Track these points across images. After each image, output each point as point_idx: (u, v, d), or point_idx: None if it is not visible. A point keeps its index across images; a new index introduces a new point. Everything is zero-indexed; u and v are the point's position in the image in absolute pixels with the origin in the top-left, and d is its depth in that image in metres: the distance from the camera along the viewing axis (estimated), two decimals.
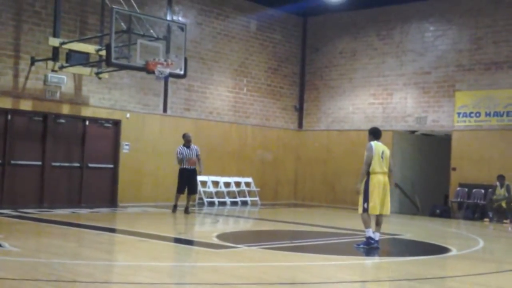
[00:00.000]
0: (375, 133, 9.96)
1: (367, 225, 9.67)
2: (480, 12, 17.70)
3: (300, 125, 21.33)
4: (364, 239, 9.74)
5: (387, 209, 9.77)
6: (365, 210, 9.65)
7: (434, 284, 7.29)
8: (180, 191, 14.73)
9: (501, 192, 16.09)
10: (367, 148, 9.75)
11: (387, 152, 9.84)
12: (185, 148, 14.65)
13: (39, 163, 15.07)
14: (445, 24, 18.39)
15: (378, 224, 9.84)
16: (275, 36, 20.59)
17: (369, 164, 9.61)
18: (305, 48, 21.37)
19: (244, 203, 19.07)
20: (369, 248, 9.60)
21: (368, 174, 9.62)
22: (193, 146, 14.76)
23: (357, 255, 9.65)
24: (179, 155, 14.57)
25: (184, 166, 14.56)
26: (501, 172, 16.27)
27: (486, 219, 16.23)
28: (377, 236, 9.78)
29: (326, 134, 20.21)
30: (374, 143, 9.79)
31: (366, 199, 9.62)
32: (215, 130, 18.76)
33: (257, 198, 19.48)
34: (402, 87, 19.04)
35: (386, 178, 9.72)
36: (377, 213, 9.70)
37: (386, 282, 7.14)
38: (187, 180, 14.60)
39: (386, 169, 9.72)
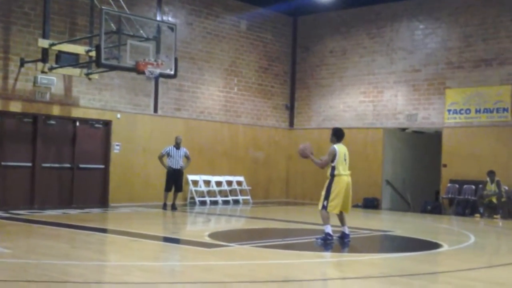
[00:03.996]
0: (338, 136, 10.24)
1: (326, 222, 9.94)
2: (469, 10, 17.79)
3: (291, 123, 21.36)
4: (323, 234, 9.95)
5: (348, 208, 10.16)
6: (324, 207, 9.93)
7: (426, 280, 7.32)
8: (168, 189, 15.74)
9: (491, 187, 16.18)
10: (329, 152, 10.00)
11: (347, 153, 10.18)
12: (174, 149, 15.68)
13: (30, 164, 15.02)
14: (434, 22, 18.46)
15: (341, 220, 10.15)
16: (266, 35, 20.61)
17: (327, 163, 9.95)
18: (295, 47, 21.40)
19: (236, 201, 19.08)
20: (326, 243, 9.80)
21: (332, 175, 9.92)
22: (182, 148, 15.84)
23: (349, 252, 9.68)
24: (162, 151, 15.75)
25: (172, 166, 15.64)
26: (491, 168, 16.35)
27: (477, 215, 16.31)
28: (346, 230, 10.12)
29: (317, 133, 20.23)
30: (337, 147, 10.07)
31: (326, 198, 9.93)
32: (206, 130, 18.75)
33: (249, 197, 19.49)
34: (392, 85, 19.10)
35: (350, 179, 10.08)
36: (337, 212, 10.01)
37: (378, 278, 7.17)
38: (173, 179, 15.65)
39: (348, 171, 10.12)
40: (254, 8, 20.10)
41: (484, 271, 8.01)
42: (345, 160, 10.07)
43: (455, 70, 17.91)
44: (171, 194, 15.75)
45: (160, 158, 15.75)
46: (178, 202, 16.36)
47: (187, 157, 15.91)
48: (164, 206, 15.62)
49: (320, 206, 10.01)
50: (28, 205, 14.81)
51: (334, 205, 9.89)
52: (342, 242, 10.06)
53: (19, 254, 8.20)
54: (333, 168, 9.96)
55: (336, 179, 9.90)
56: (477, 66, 17.53)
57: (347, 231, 10.17)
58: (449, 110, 17.91)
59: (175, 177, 15.66)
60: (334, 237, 9.98)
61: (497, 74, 17.19)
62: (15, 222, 12.13)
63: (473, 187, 17.06)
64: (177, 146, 15.74)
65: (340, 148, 10.06)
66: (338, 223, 10.22)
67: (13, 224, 11.80)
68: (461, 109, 17.70)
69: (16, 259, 7.79)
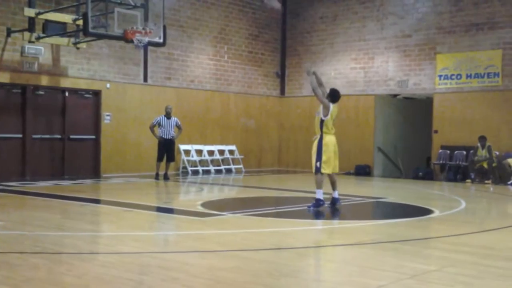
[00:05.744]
0: (334, 97, 10.23)
1: (319, 186, 9.98)
2: None
3: (282, 91, 21.28)
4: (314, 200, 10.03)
5: (337, 167, 10.21)
6: (318, 169, 9.94)
7: (417, 245, 7.38)
8: (159, 159, 15.71)
9: (482, 153, 16.25)
10: (325, 105, 9.99)
11: (336, 115, 10.19)
12: (165, 119, 15.59)
13: (20, 135, 14.93)
14: None
15: (333, 183, 10.22)
16: (255, 1, 20.38)
17: (320, 97, 10.02)
18: (285, 14, 21.19)
19: (229, 171, 19.10)
20: (318, 209, 9.87)
21: (322, 131, 9.97)
22: (173, 118, 15.71)
23: (341, 219, 9.74)
24: (153, 121, 15.67)
25: (163, 136, 15.56)
26: (482, 133, 16.41)
27: (468, 180, 16.42)
28: (336, 194, 10.21)
29: (309, 100, 20.16)
30: (331, 105, 10.08)
31: (319, 158, 9.96)
32: (197, 99, 18.66)
33: (241, 166, 19.51)
34: (383, 51, 19.01)
35: (335, 138, 10.14)
36: (330, 172, 10.03)
37: (370, 245, 7.22)
38: (165, 149, 15.60)
39: (334, 130, 10.15)
40: None
41: (475, 236, 8.08)
42: (333, 120, 10.10)
43: (445, 35, 17.82)
44: (163, 164, 15.73)
45: (151, 128, 15.69)
46: (171, 172, 16.36)
47: (178, 127, 15.84)
48: (157, 176, 15.61)
49: (314, 170, 10.04)
50: (19, 177, 14.76)
51: (327, 165, 9.94)
52: (333, 209, 10.12)
53: (12, 226, 8.19)
54: (323, 124, 9.97)
55: (324, 136, 9.94)
56: (468, 30, 17.44)
57: (337, 195, 10.26)
58: (440, 76, 17.88)
59: (167, 147, 15.62)
60: (326, 203, 10.04)
61: (488, 38, 17.11)
62: (6, 194, 12.08)
63: (464, 152, 17.14)
64: (168, 115, 15.65)
65: (333, 107, 10.09)
66: (330, 190, 10.26)
67: (5, 196, 11.77)
68: (452, 75, 17.67)
69: (9, 231, 7.78)
